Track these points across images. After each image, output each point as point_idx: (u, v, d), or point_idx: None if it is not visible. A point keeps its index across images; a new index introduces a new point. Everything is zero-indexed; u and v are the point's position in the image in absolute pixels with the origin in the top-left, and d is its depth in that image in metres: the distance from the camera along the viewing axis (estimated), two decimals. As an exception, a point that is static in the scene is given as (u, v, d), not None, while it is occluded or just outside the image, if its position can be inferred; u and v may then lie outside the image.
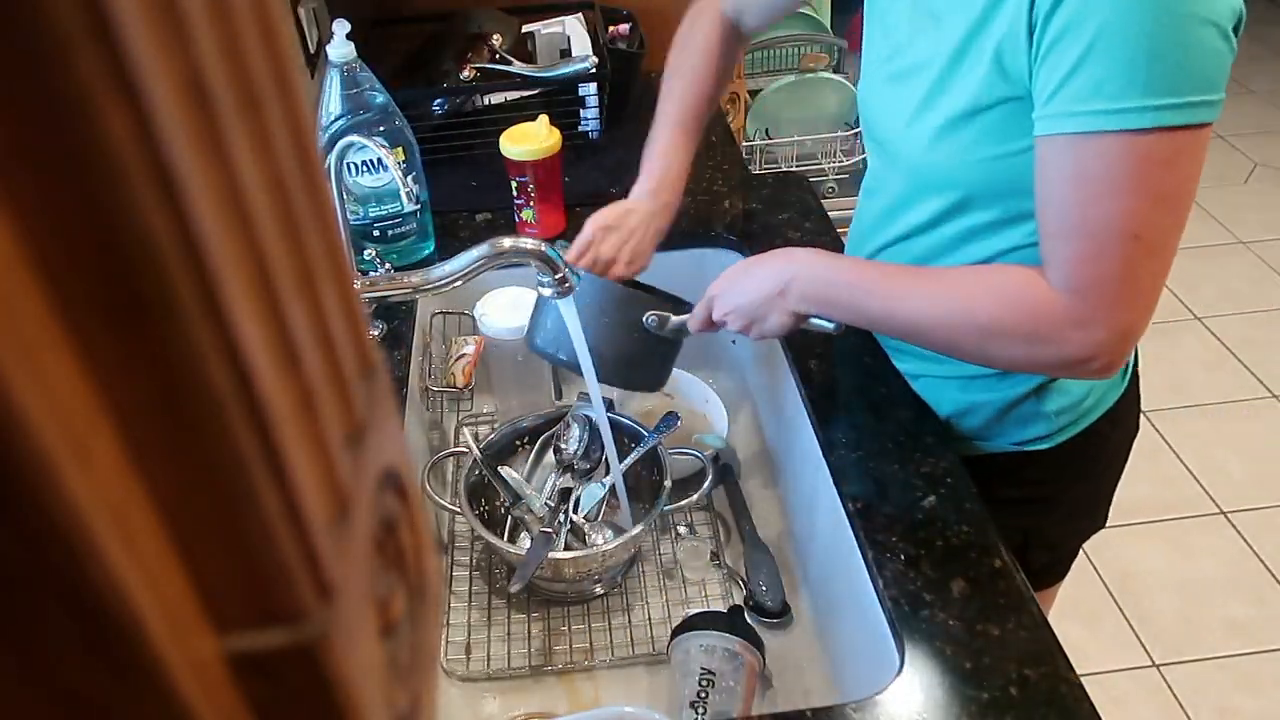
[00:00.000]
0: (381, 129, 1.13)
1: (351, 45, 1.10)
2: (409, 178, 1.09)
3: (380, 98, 1.14)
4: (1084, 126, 0.67)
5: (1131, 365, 0.98)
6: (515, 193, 1.23)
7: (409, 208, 1.20)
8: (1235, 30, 0.68)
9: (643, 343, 0.98)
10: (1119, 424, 0.98)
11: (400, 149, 1.15)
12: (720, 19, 1.08)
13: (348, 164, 1.16)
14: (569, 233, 1.27)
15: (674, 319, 0.96)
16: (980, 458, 0.95)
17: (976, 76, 0.75)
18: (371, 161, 1.17)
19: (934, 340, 0.83)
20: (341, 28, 1.09)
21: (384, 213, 1.20)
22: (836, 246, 1.20)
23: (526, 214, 1.24)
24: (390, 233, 1.21)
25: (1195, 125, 0.66)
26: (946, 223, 0.87)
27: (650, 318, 0.96)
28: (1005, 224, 0.83)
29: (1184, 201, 0.70)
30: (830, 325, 0.87)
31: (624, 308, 0.97)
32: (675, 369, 1.08)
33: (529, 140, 1.18)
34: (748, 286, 0.88)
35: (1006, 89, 0.74)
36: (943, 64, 0.78)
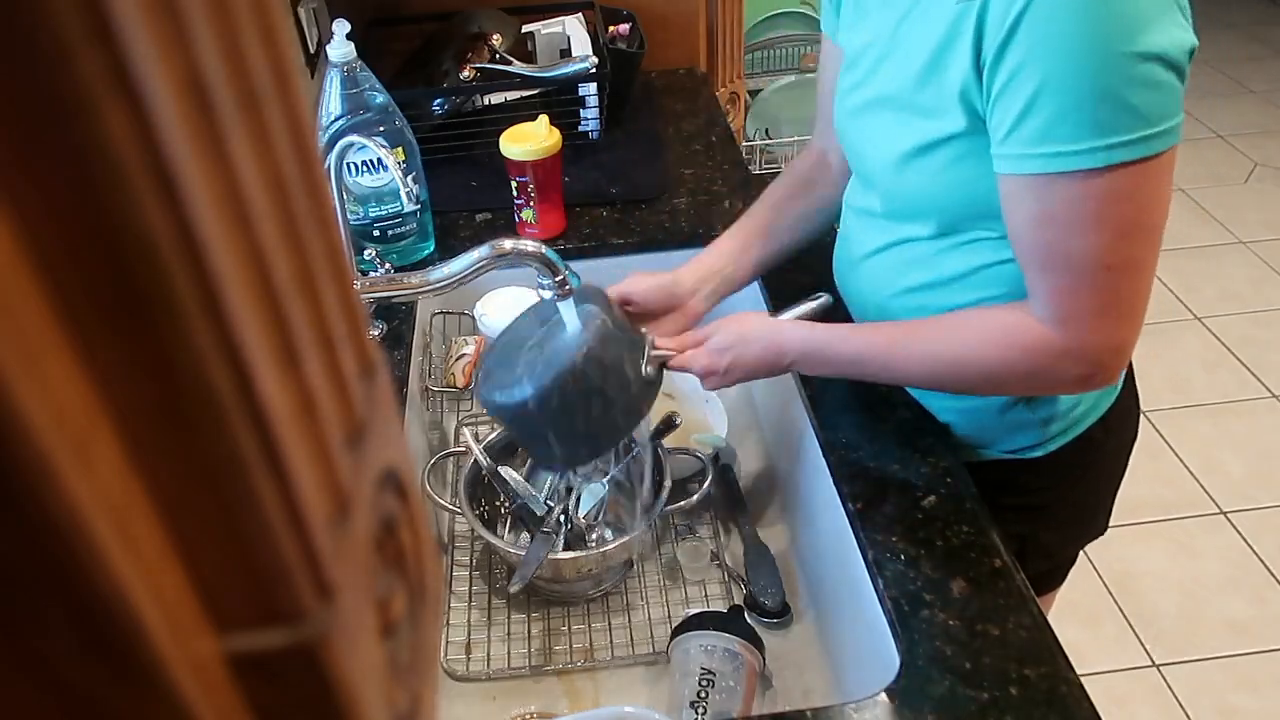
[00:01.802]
0: (381, 129, 1.13)
1: (351, 45, 1.10)
2: (409, 178, 1.09)
3: (380, 98, 1.14)
4: (1041, 169, 0.69)
5: (1125, 372, 0.96)
6: (515, 192, 1.23)
7: (409, 208, 1.20)
8: (1189, 57, 0.68)
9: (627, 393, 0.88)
10: (1114, 430, 0.97)
11: (400, 149, 1.15)
12: (809, 153, 1.09)
13: (348, 164, 1.16)
14: (569, 233, 1.28)
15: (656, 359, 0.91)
16: (974, 465, 0.94)
17: (938, 108, 0.77)
18: (371, 161, 1.17)
19: (942, 389, 0.89)
20: (341, 28, 1.09)
21: (384, 213, 1.20)
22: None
23: (526, 214, 1.24)
24: (390, 233, 1.21)
25: (1151, 156, 0.67)
26: (931, 238, 0.87)
27: (650, 366, 0.89)
28: (986, 241, 0.84)
29: (1153, 225, 0.71)
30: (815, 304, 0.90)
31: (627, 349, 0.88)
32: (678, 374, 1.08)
33: (529, 140, 1.18)
34: (738, 364, 0.90)
35: (967, 122, 0.75)
36: (907, 93, 0.80)
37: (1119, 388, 0.96)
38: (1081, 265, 0.71)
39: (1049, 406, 0.91)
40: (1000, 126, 0.71)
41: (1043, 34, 0.65)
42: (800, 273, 1.09)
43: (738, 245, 1.04)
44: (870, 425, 0.95)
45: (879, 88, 0.84)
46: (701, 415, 1.16)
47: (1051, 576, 1.07)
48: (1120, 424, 0.98)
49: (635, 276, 0.99)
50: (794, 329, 0.89)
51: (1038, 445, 0.94)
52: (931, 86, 0.77)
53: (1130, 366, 0.98)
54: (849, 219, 0.99)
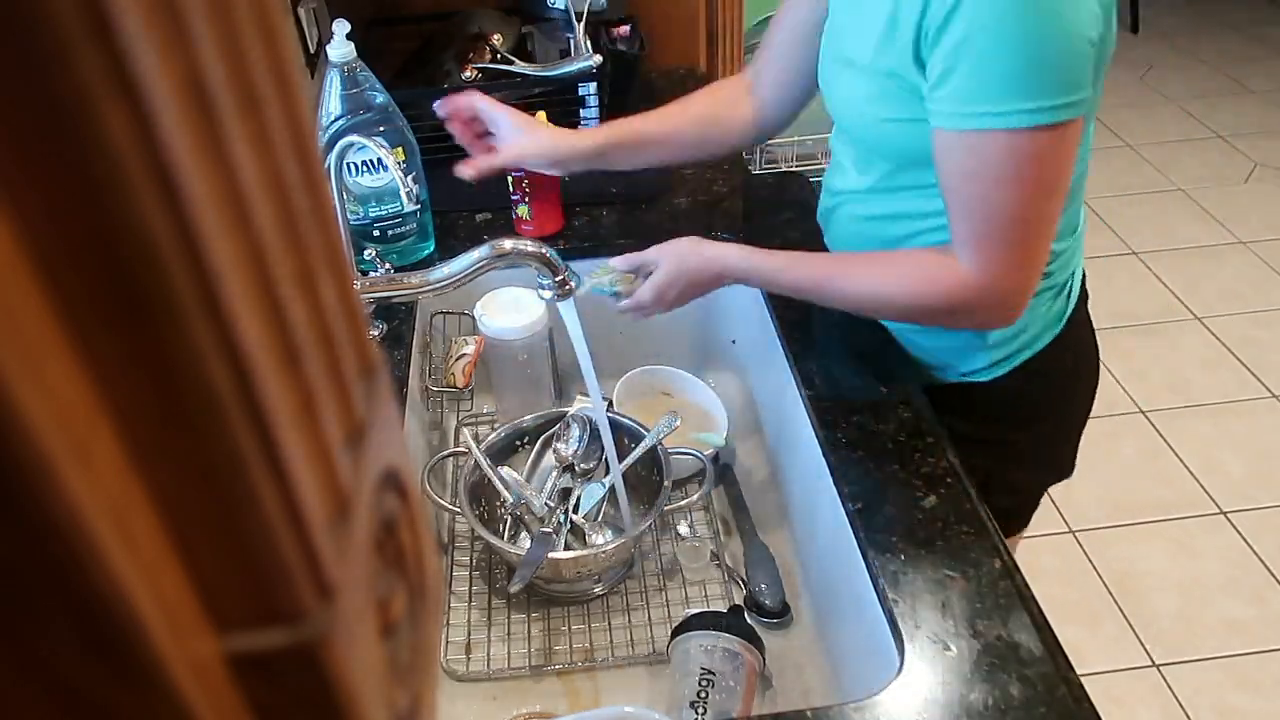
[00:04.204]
0: (381, 129, 1.13)
1: (351, 45, 1.10)
2: (409, 177, 1.09)
3: (380, 98, 1.14)
4: (972, 125, 0.78)
5: (1069, 309, 1.02)
6: (511, 189, 1.23)
7: (409, 208, 1.19)
8: (1103, 29, 0.78)
9: None
10: (1064, 365, 1.04)
11: (400, 149, 1.14)
12: (738, 84, 1.13)
13: (348, 164, 1.16)
14: (569, 233, 1.28)
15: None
16: (934, 389, 1.01)
17: (891, 57, 0.84)
18: (371, 161, 1.17)
19: (871, 316, 1.00)
20: (341, 28, 1.09)
21: (384, 213, 1.20)
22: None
23: (521, 210, 1.24)
24: (390, 232, 1.21)
25: (1067, 121, 0.77)
26: (886, 181, 0.95)
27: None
28: (924, 188, 0.91)
29: (1061, 185, 0.82)
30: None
31: None
32: (675, 369, 1.08)
33: (527, 139, 1.18)
34: (684, 294, 0.98)
35: (910, 72, 0.83)
36: (870, 49, 0.87)
37: (1061, 321, 1.02)
38: (1001, 216, 0.81)
39: (996, 330, 0.99)
40: (940, 86, 0.79)
41: (985, 8, 0.74)
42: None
43: (600, 136, 1.08)
44: (870, 424, 0.95)
45: (849, 47, 0.91)
46: (701, 415, 1.16)
47: (1017, 515, 1.14)
48: (1069, 359, 1.05)
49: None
50: (737, 257, 0.96)
51: (988, 368, 1.01)
52: (890, 50, 0.84)
53: (1081, 299, 1.05)
54: (831, 168, 1.06)
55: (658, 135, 1.10)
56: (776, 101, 1.10)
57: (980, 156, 0.79)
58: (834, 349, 1.06)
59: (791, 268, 0.94)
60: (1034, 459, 1.11)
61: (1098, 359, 1.10)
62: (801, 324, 1.09)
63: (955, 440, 0.94)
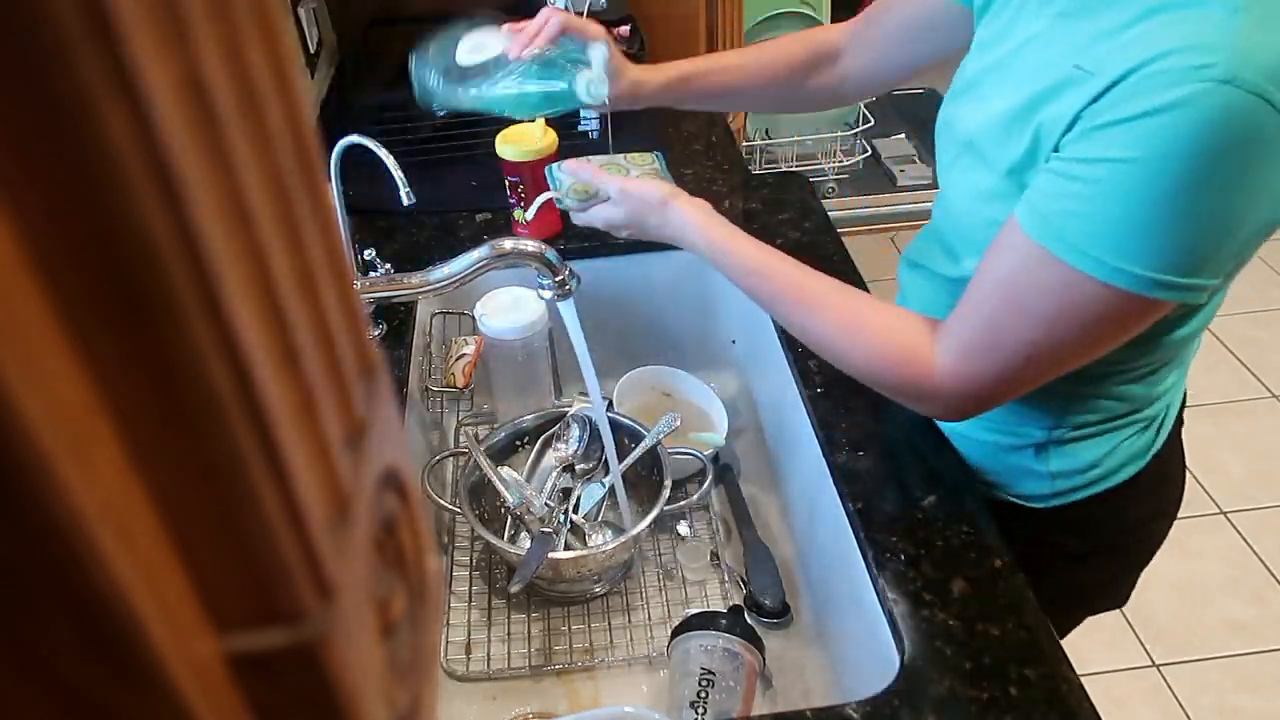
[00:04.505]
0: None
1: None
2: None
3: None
4: (1043, 241, 0.65)
5: (1158, 443, 0.89)
6: (509, 192, 1.23)
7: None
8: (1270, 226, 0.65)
9: None
10: (1141, 500, 0.91)
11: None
12: (813, 39, 1.04)
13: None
14: (569, 233, 1.28)
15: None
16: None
17: (1017, 150, 0.71)
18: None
19: (799, 337, 0.85)
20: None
21: None
22: (837, 247, 1.20)
23: (518, 214, 1.24)
24: None
25: (1148, 298, 0.63)
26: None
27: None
28: None
29: (1094, 352, 0.70)
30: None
31: None
32: (675, 369, 1.08)
33: (524, 141, 1.18)
34: (638, 236, 0.92)
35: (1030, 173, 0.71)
36: (996, 133, 0.74)
37: (1149, 455, 0.88)
38: (1009, 342, 0.69)
39: (1060, 460, 0.86)
40: (1043, 180, 0.66)
41: (1147, 140, 0.59)
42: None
43: (684, 72, 1.02)
44: (870, 425, 0.95)
45: (973, 121, 0.78)
46: (701, 415, 1.16)
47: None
48: (1150, 493, 0.91)
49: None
50: (700, 239, 0.87)
51: (1044, 497, 0.89)
52: (1017, 141, 0.71)
53: (1179, 424, 0.92)
54: (910, 278, 0.95)
55: (745, 67, 1.02)
56: (861, 81, 1.02)
57: (1038, 279, 0.66)
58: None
59: (755, 272, 0.84)
60: (1085, 594, 0.99)
61: (1182, 491, 0.96)
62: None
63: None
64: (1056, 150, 0.66)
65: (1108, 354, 0.71)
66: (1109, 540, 0.93)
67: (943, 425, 0.94)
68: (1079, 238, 0.63)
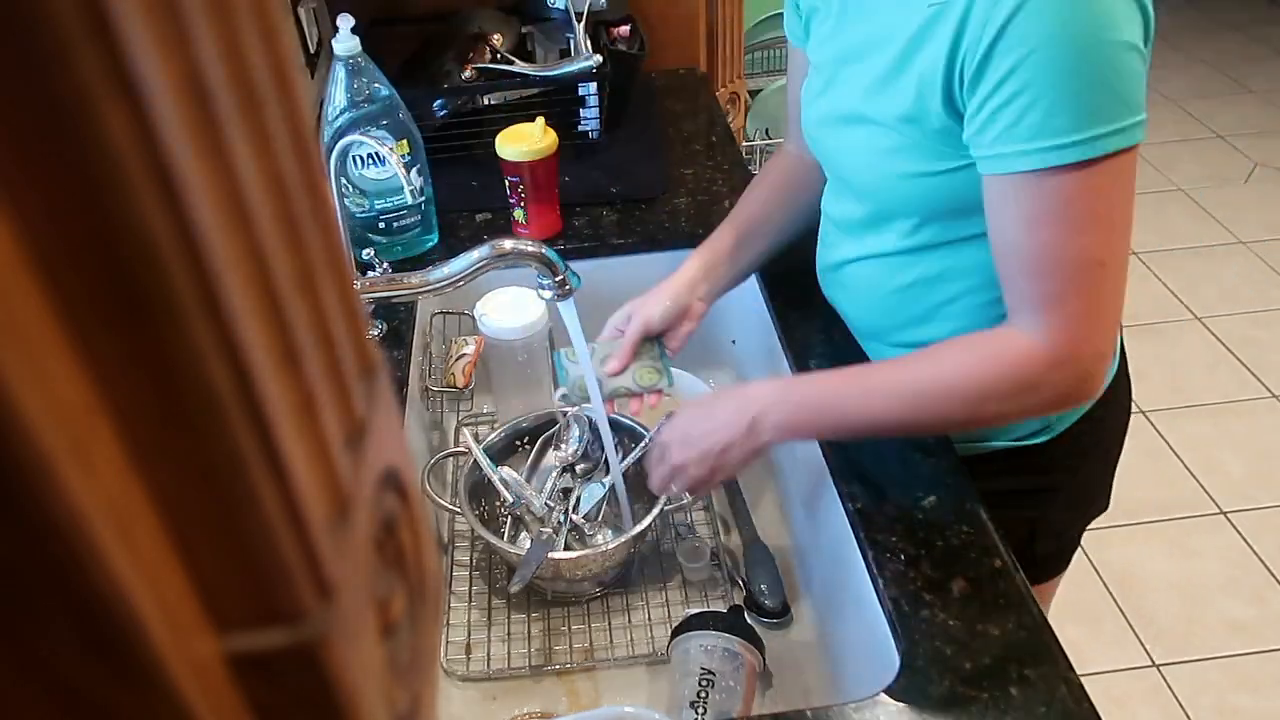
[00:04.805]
0: (385, 122, 1.14)
1: (356, 39, 1.10)
2: (412, 171, 1.09)
3: (384, 90, 1.14)
4: (1032, 164, 0.69)
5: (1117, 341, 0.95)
6: (509, 192, 1.23)
7: (411, 201, 1.20)
8: (1146, 43, 0.70)
9: None
10: (1111, 406, 0.98)
11: (404, 141, 1.15)
12: (785, 156, 1.09)
13: (353, 157, 1.17)
14: (569, 233, 1.28)
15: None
16: (980, 456, 0.95)
17: (904, 103, 0.77)
18: (375, 155, 1.17)
19: (925, 427, 0.87)
20: (346, 22, 1.09)
21: (388, 205, 1.20)
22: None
23: (518, 214, 1.24)
24: (395, 224, 1.22)
25: (1129, 148, 0.69)
26: (910, 239, 0.87)
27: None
28: (955, 243, 0.85)
29: (1129, 221, 0.73)
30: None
31: None
32: (675, 369, 1.07)
33: (524, 141, 1.18)
34: (709, 429, 0.85)
35: (927, 119, 0.76)
36: (877, 99, 0.80)
37: (1114, 367, 0.96)
38: (1074, 265, 0.71)
39: None
40: (990, 127, 0.71)
41: (1033, 32, 0.66)
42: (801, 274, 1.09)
43: (729, 246, 1.05)
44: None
45: (843, 97, 0.85)
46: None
47: (1059, 558, 1.08)
48: (1116, 400, 0.99)
49: (642, 304, 1.01)
50: (758, 384, 0.89)
51: (1041, 431, 0.94)
52: (894, 92, 0.78)
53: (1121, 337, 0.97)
54: (828, 227, 1.00)
55: (761, 215, 1.07)
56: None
57: (1045, 199, 0.70)
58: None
59: (821, 380, 0.85)
60: (1079, 500, 1.05)
61: (1130, 382, 1.03)
62: (802, 324, 1.09)
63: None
64: (963, 102, 0.72)
65: None
66: (1091, 449, 0.99)
67: None
68: (1051, 135, 0.68)
